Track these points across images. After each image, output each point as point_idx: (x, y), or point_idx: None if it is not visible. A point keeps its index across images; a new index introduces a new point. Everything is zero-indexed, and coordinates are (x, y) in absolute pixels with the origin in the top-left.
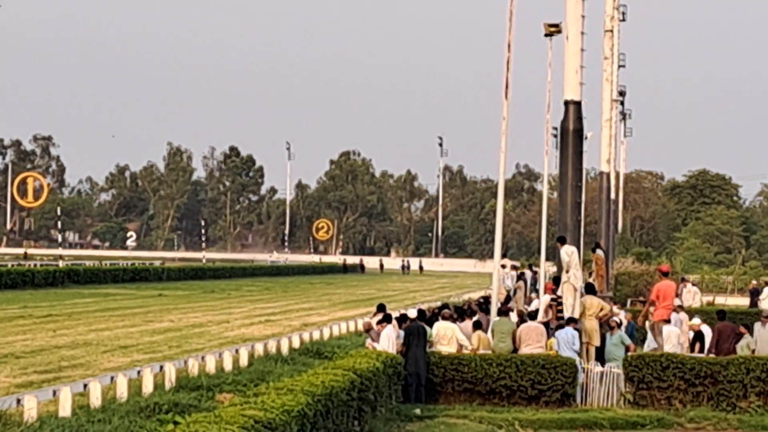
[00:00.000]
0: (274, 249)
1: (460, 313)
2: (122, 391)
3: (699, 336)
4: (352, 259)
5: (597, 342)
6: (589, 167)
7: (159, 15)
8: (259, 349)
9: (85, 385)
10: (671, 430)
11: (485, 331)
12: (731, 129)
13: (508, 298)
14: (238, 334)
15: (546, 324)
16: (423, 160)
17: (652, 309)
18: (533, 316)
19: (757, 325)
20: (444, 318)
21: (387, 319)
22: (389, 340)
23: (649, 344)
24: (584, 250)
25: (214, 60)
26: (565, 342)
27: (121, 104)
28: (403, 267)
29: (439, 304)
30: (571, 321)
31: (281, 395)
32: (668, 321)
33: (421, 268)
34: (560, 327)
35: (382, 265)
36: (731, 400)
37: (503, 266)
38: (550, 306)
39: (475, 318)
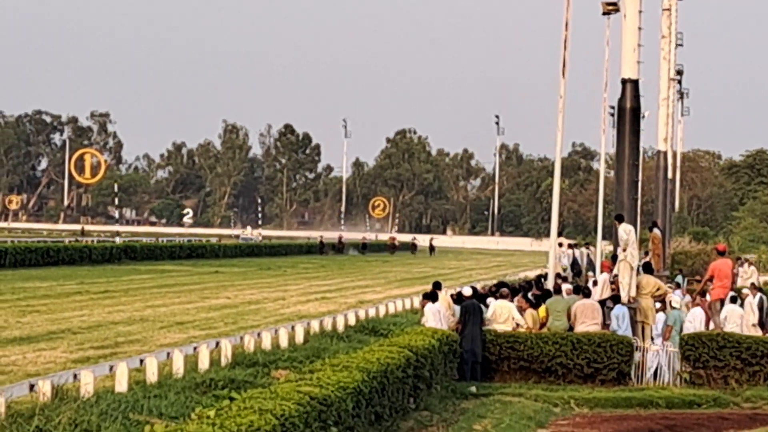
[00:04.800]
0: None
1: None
2: (178, 366)
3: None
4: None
5: (653, 321)
6: (646, 146)
7: None
8: (315, 326)
9: (142, 361)
10: (727, 410)
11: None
12: None
13: (564, 277)
14: (293, 311)
15: (602, 302)
16: (479, 138)
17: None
18: (587, 293)
19: None
20: (501, 296)
21: (431, 296)
22: (434, 316)
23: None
24: (641, 229)
25: (270, 39)
26: (619, 319)
27: (177, 82)
28: (412, 245)
29: (494, 282)
30: (616, 299)
31: (337, 372)
32: (725, 300)
33: (432, 248)
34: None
35: (393, 246)
36: None
37: (560, 244)
38: (612, 283)
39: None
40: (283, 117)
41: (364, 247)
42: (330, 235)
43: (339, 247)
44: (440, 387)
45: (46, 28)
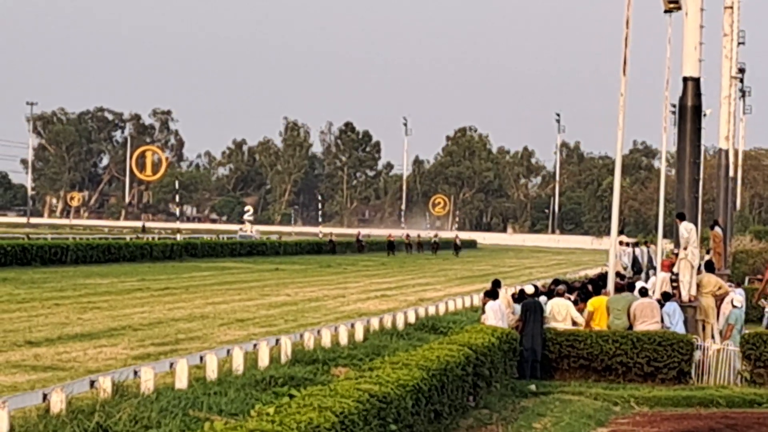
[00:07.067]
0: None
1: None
2: (238, 363)
3: None
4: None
5: (713, 319)
6: (707, 144)
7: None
8: (375, 323)
9: (202, 358)
10: None
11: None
12: None
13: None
14: (353, 309)
15: (660, 301)
16: (540, 136)
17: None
18: (646, 292)
19: None
20: (559, 295)
21: (492, 294)
22: (495, 314)
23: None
24: (702, 227)
25: (331, 38)
26: (670, 315)
27: (238, 80)
28: (434, 244)
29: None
30: (668, 296)
31: (396, 369)
32: None
33: (456, 247)
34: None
35: (390, 245)
36: None
37: (621, 243)
38: (673, 282)
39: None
40: (344, 115)
41: (390, 246)
42: (365, 233)
43: (358, 246)
44: (500, 385)
45: (108, 26)
